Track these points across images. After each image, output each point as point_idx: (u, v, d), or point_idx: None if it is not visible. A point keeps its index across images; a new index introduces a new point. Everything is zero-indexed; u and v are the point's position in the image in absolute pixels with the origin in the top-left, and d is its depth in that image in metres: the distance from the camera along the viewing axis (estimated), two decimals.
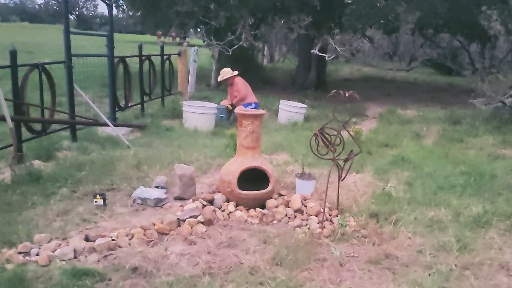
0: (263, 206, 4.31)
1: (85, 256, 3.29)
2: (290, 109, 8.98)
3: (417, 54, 24.77)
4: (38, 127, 5.94)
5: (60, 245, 3.37)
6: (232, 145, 5.69)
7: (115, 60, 7.75)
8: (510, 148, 7.12)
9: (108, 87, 7.75)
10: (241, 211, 4.18)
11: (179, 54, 11.47)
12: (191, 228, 3.80)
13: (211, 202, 4.28)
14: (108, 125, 6.75)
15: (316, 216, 4.11)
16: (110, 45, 7.52)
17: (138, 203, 4.39)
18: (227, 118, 8.55)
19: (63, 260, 3.21)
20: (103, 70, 7.72)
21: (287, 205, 4.32)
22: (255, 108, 8.16)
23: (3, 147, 5.44)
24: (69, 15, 7.11)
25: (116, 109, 7.83)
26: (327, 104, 10.38)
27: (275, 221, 4.10)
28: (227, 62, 13.47)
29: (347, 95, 3.93)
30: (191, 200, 4.34)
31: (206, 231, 3.80)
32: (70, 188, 4.57)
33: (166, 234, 3.73)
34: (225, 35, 11.99)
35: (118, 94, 7.93)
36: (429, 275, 3.17)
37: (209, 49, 13.32)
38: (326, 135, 4.16)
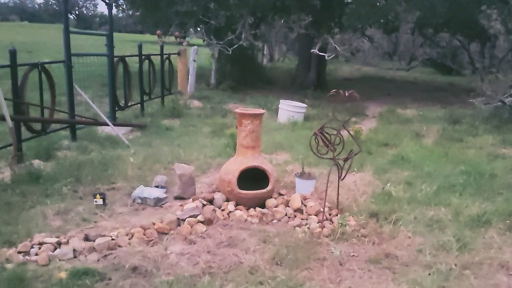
0: (263, 206, 4.31)
1: (85, 256, 3.29)
2: (290, 109, 8.98)
3: (417, 53, 24.74)
4: (38, 126, 5.93)
5: (60, 244, 3.37)
6: (232, 144, 5.69)
7: (115, 59, 7.75)
8: (510, 148, 7.12)
9: (108, 86, 7.75)
10: (241, 210, 4.18)
11: (179, 54, 11.47)
12: (191, 227, 3.80)
13: (211, 201, 4.28)
14: (108, 125, 6.75)
15: (316, 215, 4.11)
16: (110, 45, 7.52)
17: (138, 203, 4.39)
18: None
19: (63, 260, 3.21)
20: (103, 69, 7.72)
21: (287, 204, 4.32)
22: None
23: (3, 146, 5.44)
24: (68, 14, 7.12)
25: (116, 108, 7.82)
26: (327, 104, 10.37)
27: (275, 221, 4.10)
28: (227, 62, 13.48)
29: (347, 94, 3.93)
30: (191, 199, 4.34)
31: (206, 230, 3.80)
32: (70, 188, 4.57)
33: (166, 233, 3.73)
34: (225, 35, 11.98)
35: (118, 93, 7.93)
36: (429, 274, 3.18)
37: (209, 48, 13.32)
38: (326, 135, 4.16)
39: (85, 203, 4.28)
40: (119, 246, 3.43)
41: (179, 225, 3.85)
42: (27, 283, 2.87)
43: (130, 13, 17.48)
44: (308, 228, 3.86)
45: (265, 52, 21.92)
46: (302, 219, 4.10)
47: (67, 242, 3.40)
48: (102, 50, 7.72)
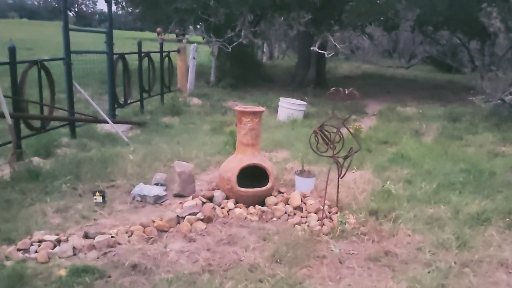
0: (262, 204, 4.31)
1: (85, 253, 3.29)
2: (290, 106, 8.97)
3: (416, 51, 24.76)
4: (37, 124, 5.92)
5: (59, 242, 3.37)
6: (232, 142, 5.69)
7: (114, 57, 7.73)
8: (509, 146, 7.12)
9: (107, 84, 7.74)
10: (240, 208, 4.18)
11: (178, 51, 11.46)
12: (191, 225, 3.80)
13: (210, 199, 4.28)
14: (107, 122, 6.75)
15: (315, 213, 4.12)
16: (109, 42, 7.51)
17: (137, 200, 4.39)
18: None
19: (62, 258, 3.21)
20: (102, 67, 7.71)
21: (286, 202, 4.32)
22: None
23: (2, 144, 5.43)
24: (68, 11, 7.10)
25: (115, 106, 7.81)
26: (327, 102, 10.36)
27: (274, 219, 4.10)
28: (227, 59, 13.46)
29: (346, 92, 3.93)
30: (190, 197, 4.34)
31: (205, 228, 3.80)
32: (69, 185, 4.57)
33: (166, 231, 3.73)
34: (224, 32, 11.96)
35: (118, 91, 7.92)
36: (428, 272, 3.18)
37: (209, 46, 13.30)
38: (326, 133, 4.16)
39: (85, 201, 4.28)
40: (119, 243, 3.43)
41: (178, 222, 3.85)
42: (26, 281, 2.87)
43: (130, 10, 17.43)
44: (308, 226, 3.86)
45: (264, 50, 21.88)
46: (301, 217, 4.10)
47: (66, 240, 3.39)
48: (102, 47, 7.71)
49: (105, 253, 3.28)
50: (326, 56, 13.00)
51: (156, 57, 9.65)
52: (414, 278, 3.09)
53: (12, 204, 4.08)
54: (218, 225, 3.87)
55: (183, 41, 13.30)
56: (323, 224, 3.91)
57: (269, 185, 4.34)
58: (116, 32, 8.90)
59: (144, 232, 3.63)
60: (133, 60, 9.34)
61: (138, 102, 8.78)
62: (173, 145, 6.29)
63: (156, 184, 4.68)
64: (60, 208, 4.05)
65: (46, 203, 4.14)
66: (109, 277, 2.99)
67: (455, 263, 3.30)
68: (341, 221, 3.82)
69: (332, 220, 4.01)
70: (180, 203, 4.23)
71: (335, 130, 4.12)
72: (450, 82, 18.02)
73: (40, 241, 3.35)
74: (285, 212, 4.17)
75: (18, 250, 3.26)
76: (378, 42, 25.62)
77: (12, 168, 4.76)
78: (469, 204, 4.30)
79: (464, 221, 3.99)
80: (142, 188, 4.46)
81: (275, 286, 2.96)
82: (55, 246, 3.32)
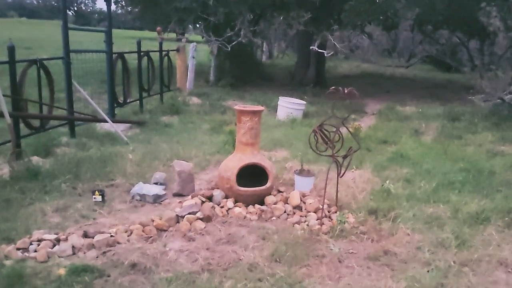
0: (262, 203, 4.31)
1: (84, 253, 3.29)
2: (289, 106, 8.98)
3: (416, 50, 24.72)
4: (36, 123, 5.92)
5: (58, 241, 3.37)
6: (231, 141, 5.69)
7: (114, 56, 7.73)
8: (509, 145, 7.12)
9: (107, 83, 7.74)
10: (240, 207, 4.19)
11: (177, 50, 11.46)
12: (190, 224, 3.80)
13: (210, 198, 4.28)
14: (106, 121, 6.74)
15: (315, 212, 4.12)
16: (109, 41, 7.51)
17: (136, 200, 4.39)
18: None
19: (62, 257, 3.21)
20: (102, 66, 7.71)
21: (286, 201, 4.32)
22: None
23: (1, 143, 5.42)
24: (67, 10, 7.10)
25: (115, 105, 7.81)
26: (326, 101, 10.35)
27: (274, 218, 4.10)
28: (226, 59, 13.46)
29: (346, 91, 3.93)
30: (190, 196, 4.34)
31: (205, 227, 3.80)
32: (68, 184, 4.57)
33: (165, 230, 3.73)
34: (224, 31, 11.95)
35: (117, 90, 7.91)
36: (428, 271, 3.18)
37: (208, 45, 13.29)
38: (325, 132, 4.16)
39: (84, 200, 4.28)
40: (118, 243, 3.43)
41: (178, 222, 3.85)
42: (26, 280, 2.87)
43: (129, 9, 17.41)
44: (307, 225, 3.86)
45: (264, 49, 21.86)
46: (301, 216, 4.10)
47: (66, 239, 3.40)
48: (101, 46, 7.70)
49: (105, 252, 3.28)
50: (325, 55, 12.99)
51: (155, 56, 9.65)
52: (413, 277, 3.09)
53: (11, 203, 4.08)
54: (217, 224, 3.87)
55: (183, 40, 13.27)
56: (323, 223, 3.92)
57: (268, 184, 4.34)
58: (115, 31, 8.89)
59: (143, 231, 3.63)
60: (132, 59, 9.33)
61: (138, 101, 8.77)
62: (173, 144, 6.28)
63: (156, 183, 4.68)
64: (60, 207, 4.05)
65: (46, 202, 4.14)
66: (109, 276, 2.99)
67: (454, 262, 3.31)
68: (340, 220, 3.83)
69: (332, 219, 4.01)
70: (180, 202, 4.23)
71: (334, 129, 4.13)
72: (449, 81, 18.02)
73: (39, 240, 3.35)
74: (285, 211, 4.17)
75: (18, 249, 3.26)
76: (377, 41, 25.60)
77: (11, 167, 4.76)
78: (468, 203, 4.30)
79: (463, 220, 3.99)
80: (142, 187, 4.46)
81: (274, 285, 2.96)
82: (54, 245, 3.32)
